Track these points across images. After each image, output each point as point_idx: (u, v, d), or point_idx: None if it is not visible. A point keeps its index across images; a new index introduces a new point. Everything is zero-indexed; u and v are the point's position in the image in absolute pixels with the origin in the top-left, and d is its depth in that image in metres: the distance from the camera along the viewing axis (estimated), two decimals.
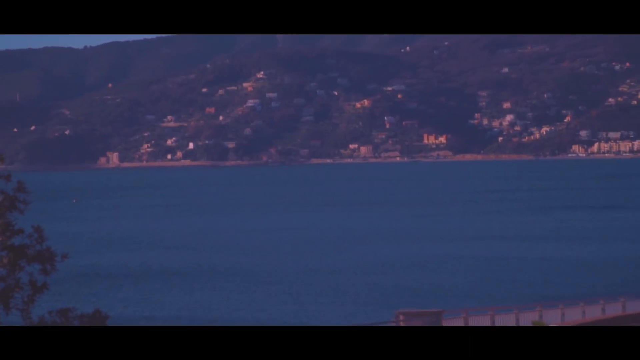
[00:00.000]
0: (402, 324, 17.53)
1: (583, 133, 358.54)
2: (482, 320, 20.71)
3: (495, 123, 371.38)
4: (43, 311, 21.77)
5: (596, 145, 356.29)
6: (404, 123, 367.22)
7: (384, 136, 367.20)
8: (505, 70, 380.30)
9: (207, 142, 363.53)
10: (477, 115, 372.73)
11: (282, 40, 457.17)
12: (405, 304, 50.29)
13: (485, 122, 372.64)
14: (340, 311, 56.48)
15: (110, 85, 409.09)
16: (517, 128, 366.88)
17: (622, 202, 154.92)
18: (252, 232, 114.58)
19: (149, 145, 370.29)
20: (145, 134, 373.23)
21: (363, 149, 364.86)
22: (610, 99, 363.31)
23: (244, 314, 57.83)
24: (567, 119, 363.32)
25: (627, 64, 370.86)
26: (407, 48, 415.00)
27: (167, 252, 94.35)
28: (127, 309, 52.76)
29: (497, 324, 20.86)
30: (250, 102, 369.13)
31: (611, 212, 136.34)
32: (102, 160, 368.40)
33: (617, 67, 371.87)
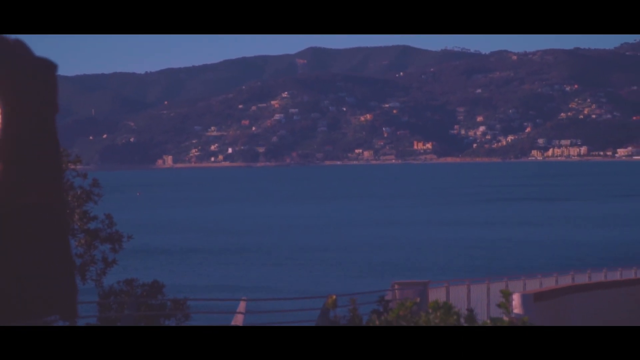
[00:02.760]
0: (397, 292, 17.42)
1: (540, 141, 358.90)
2: (460, 290, 20.56)
3: (471, 133, 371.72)
4: (112, 281, 21.77)
5: (551, 150, 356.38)
6: (398, 133, 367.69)
7: (382, 143, 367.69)
8: (479, 91, 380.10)
9: (242, 147, 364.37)
10: (456, 126, 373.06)
11: (301, 68, 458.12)
12: (399, 275, 50.21)
13: (462, 132, 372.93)
14: (345, 281, 56.46)
15: (166, 102, 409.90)
16: (488, 137, 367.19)
17: (571, 195, 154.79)
18: (277, 217, 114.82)
19: (196, 150, 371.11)
20: (194, 141, 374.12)
21: (366, 153, 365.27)
22: (562, 114, 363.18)
23: (268, 282, 57.83)
24: (528, 129, 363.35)
25: (576, 86, 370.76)
26: (401, 73, 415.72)
27: (209, 233, 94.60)
28: (177, 279, 52.79)
29: (473, 293, 20.71)
30: (277, 116, 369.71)
31: (562, 203, 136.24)
32: (159, 162, 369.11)
33: (568, 89, 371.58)
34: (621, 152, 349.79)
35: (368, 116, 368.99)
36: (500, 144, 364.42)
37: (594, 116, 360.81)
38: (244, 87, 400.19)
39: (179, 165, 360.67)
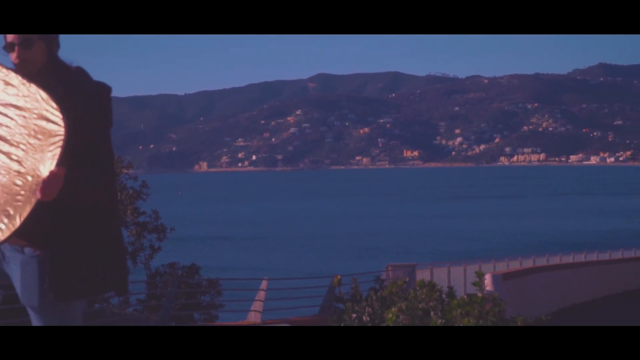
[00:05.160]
0: (390, 273, 17.34)
1: (507, 149, 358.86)
2: (442, 271, 20.48)
3: (450, 142, 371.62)
4: (158, 264, 21.75)
5: (516, 157, 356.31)
6: (391, 143, 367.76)
7: (378, 151, 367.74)
8: (457, 108, 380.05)
9: (264, 155, 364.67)
10: (438, 137, 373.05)
11: (312, 90, 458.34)
12: (392, 259, 50.11)
13: (443, 142, 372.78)
14: (347, 263, 56.33)
15: (201, 118, 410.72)
16: (464, 146, 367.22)
17: (532, 193, 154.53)
18: (291, 211, 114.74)
19: (226, 157, 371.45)
20: (224, 150, 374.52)
21: (365, 160, 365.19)
22: (525, 127, 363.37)
23: (284, 264, 57.76)
24: (497, 140, 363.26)
25: (536, 104, 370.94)
26: (393, 94, 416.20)
27: (236, 224, 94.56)
28: (210, 261, 52.77)
29: (452, 273, 20.62)
30: (292, 130, 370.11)
31: (524, 199, 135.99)
32: (196, 167, 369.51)
33: (529, 106, 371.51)
34: (573, 158, 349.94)
35: (366, 129, 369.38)
36: (474, 151, 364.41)
37: (550, 129, 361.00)
38: (265, 106, 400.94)
39: (212, 169, 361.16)
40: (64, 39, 3.48)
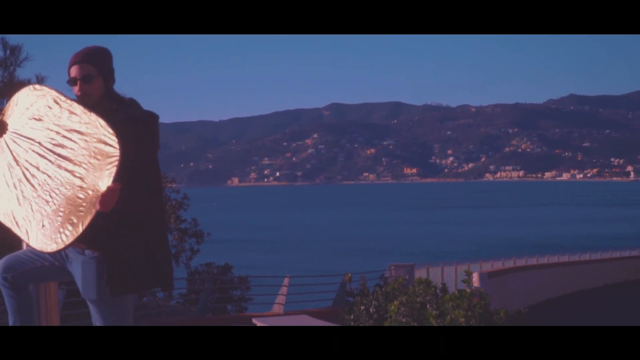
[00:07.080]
0: (392, 271, 17.25)
1: (491, 167, 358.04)
2: (436, 270, 20.37)
3: (443, 161, 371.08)
4: (196, 264, 21.76)
5: (499, 174, 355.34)
6: (393, 162, 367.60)
7: (382, 169, 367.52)
8: (449, 132, 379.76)
9: (286, 172, 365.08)
10: (433, 157, 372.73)
11: (326, 117, 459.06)
12: (394, 259, 49.83)
13: (437, 161, 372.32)
14: (355, 263, 56.10)
15: (233, 141, 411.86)
16: (455, 164, 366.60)
17: (512, 204, 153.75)
18: (309, 218, 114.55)
19: (254, 173, 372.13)
20: (253, 167, 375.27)
21: (371, 176, 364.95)
22: (506, 148, 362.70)
23: (302, 264, 57.55)
24: (483, 159, 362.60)
25: (516, 129, 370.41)
26: (395, 121, 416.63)
27: (262, 229, 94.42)
28: (241, 261, 52.69)
29: (445, 272, 20.49)
30: (309, 150, 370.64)
31: (506, 209, 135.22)
32: (229, 182, 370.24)
33: (510, 131, 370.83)
34: (548, 175, 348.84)
35: (372, 150, 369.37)
36: (463, 169, 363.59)
37: (528, 150, 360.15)
38: (287, 130, 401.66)
39: (242, 184, 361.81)
40: (120, 74, 3.52)
